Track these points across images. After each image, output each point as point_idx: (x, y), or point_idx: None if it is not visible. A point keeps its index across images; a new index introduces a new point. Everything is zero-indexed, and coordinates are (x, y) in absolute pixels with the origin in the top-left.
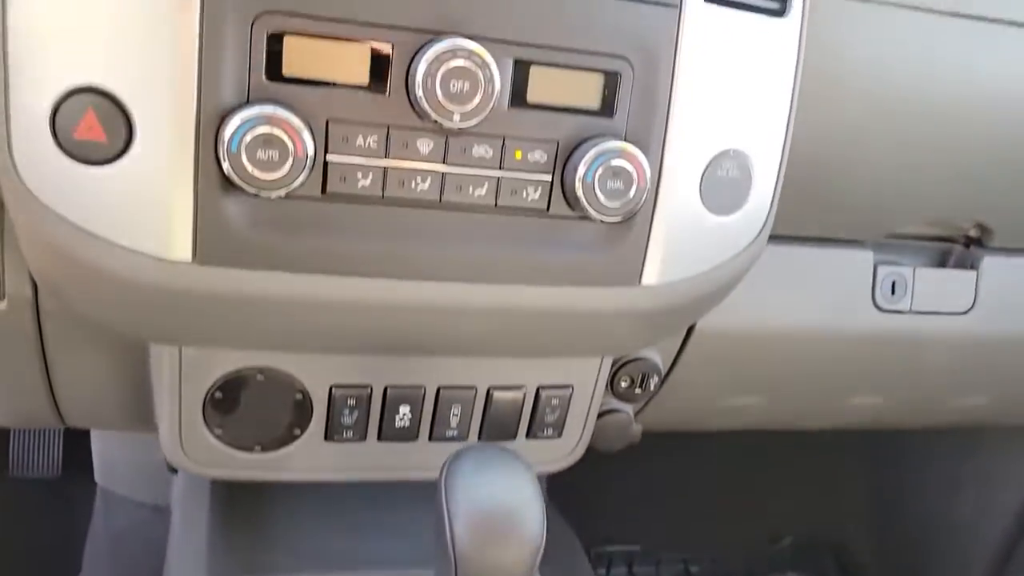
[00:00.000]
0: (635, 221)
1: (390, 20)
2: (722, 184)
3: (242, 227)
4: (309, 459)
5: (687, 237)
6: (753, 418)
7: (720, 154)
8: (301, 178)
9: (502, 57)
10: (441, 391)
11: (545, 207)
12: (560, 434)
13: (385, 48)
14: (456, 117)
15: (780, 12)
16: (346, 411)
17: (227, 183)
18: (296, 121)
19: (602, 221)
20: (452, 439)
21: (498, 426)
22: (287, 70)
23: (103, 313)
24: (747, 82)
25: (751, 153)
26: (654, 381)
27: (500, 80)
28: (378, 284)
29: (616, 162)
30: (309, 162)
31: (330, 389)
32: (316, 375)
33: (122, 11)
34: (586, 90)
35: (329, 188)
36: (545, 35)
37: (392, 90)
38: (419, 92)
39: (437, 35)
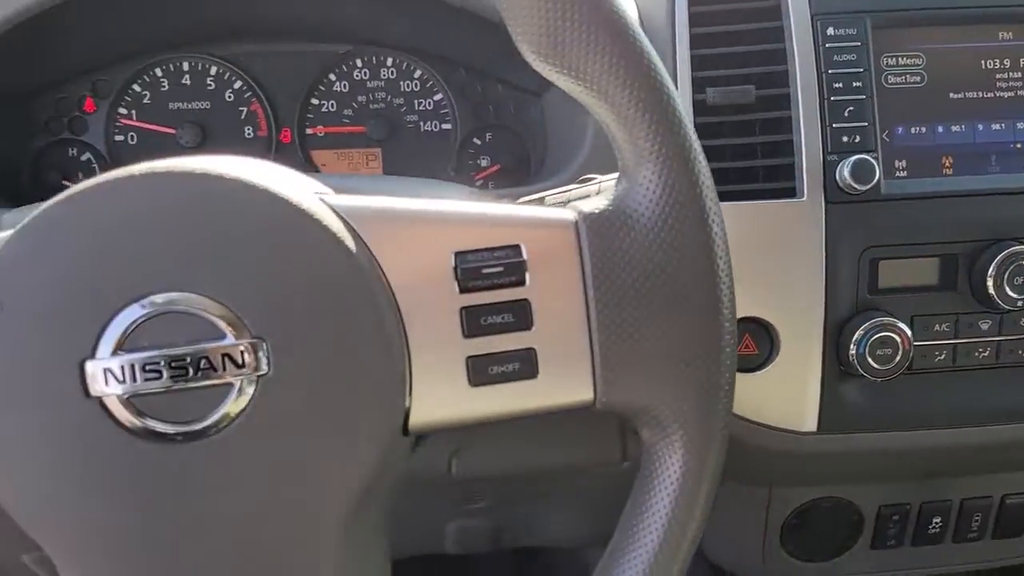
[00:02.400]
0: None
1: (956, 237)
2: None
3: (852, 403)
4: (854, 565)
5: None
6: None
7: None
8: (903, 366)
9: None
10: (964, 503)
11: None
12: None
13: (952, 258)
14: (1020, 303)
15: None
16: (891, 525)
17: (844, 374)
18: (900, 324)
19: None
20: (971, 540)
21: (1009, 526)
22: (882, 284)
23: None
24: None
25: None
26: None
27: None
28: (948, 432)
29: None
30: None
31: (879, 508)
32: (870, 499)
33: (772, 264)
34: None
35: (915, 365)
36: None
37: (960, 288)
38: (991, 290)
39: (992, 241)
